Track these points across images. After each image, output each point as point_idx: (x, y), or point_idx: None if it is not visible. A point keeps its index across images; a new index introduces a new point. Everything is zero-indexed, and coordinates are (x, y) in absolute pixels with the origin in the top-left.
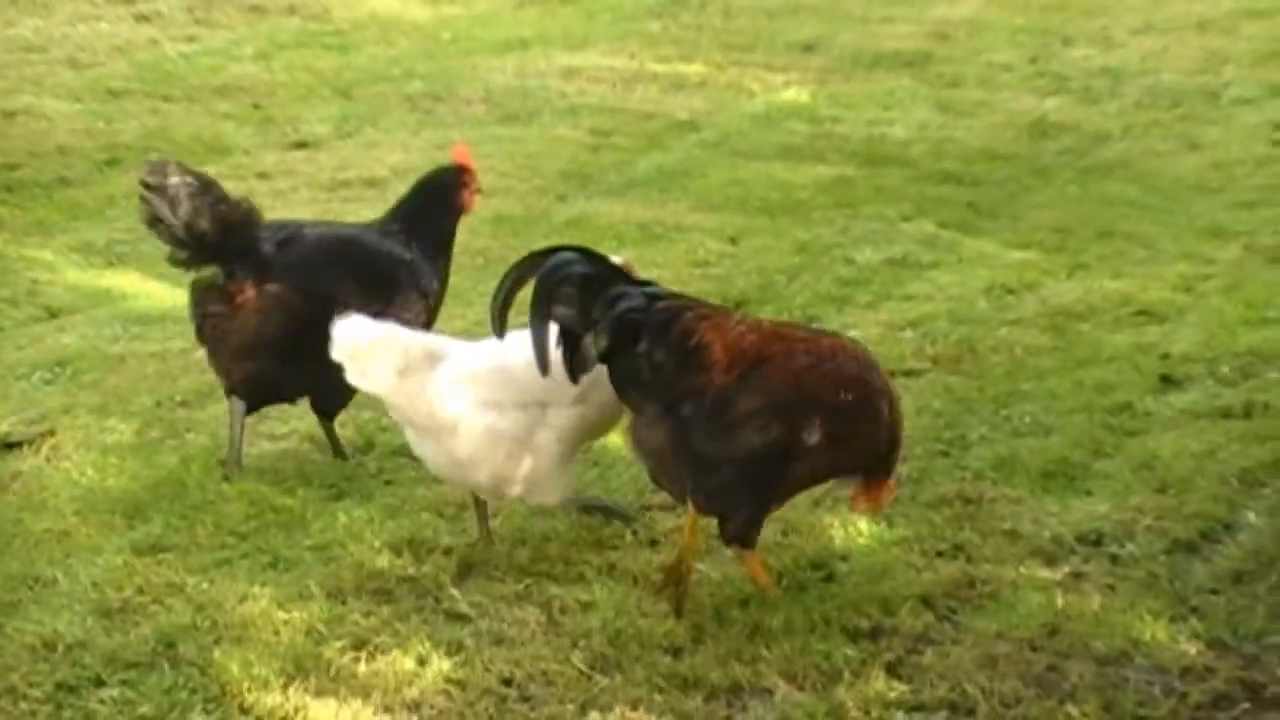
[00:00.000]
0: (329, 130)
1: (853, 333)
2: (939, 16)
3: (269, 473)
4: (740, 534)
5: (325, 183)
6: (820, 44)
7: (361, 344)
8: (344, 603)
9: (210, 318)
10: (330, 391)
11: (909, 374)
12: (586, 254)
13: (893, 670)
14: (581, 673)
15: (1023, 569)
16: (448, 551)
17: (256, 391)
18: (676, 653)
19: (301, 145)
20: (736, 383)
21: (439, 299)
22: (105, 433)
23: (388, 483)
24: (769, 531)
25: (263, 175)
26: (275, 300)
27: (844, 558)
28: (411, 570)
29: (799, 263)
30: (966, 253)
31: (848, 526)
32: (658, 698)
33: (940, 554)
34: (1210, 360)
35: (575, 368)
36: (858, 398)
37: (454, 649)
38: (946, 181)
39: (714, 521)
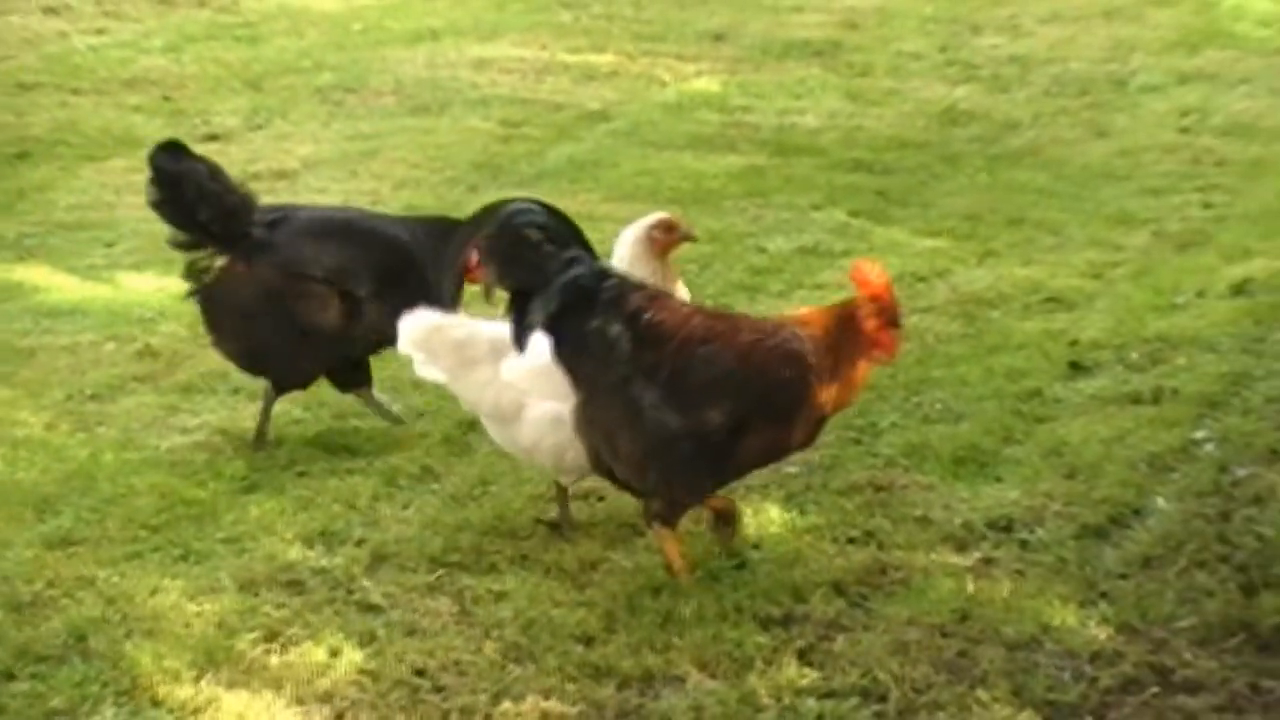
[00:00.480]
0: (239, 122)
1: None
2: (848, 5)
3: (180, 465)
4: (666, 513)
5: (235, 175)
6: (731, 33)
7: (427, 335)
8: (256, 595)
9: (210, 297)
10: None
11: None
12: (547, 207)
13: (804, 657)
14: (494, 662)
15: (934, 555)
16: (360, 543)
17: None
18: (589, 642)
19: (212, 137)
20: (689, 359)
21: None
22: (15, 426)
23: (300, 475)
24: (682, 520)
25: None
26: (251, 277)
27: (756, 546)
28: (324, 562)
29: (711, 252)
30: (877, 241)
31: (760, 514)
32: (570, 687)
33: (852, 541)
34: (1119, 346)
35: (521, 332)
36: (799, 374)
37: (366, 640)
38: (857, 170)
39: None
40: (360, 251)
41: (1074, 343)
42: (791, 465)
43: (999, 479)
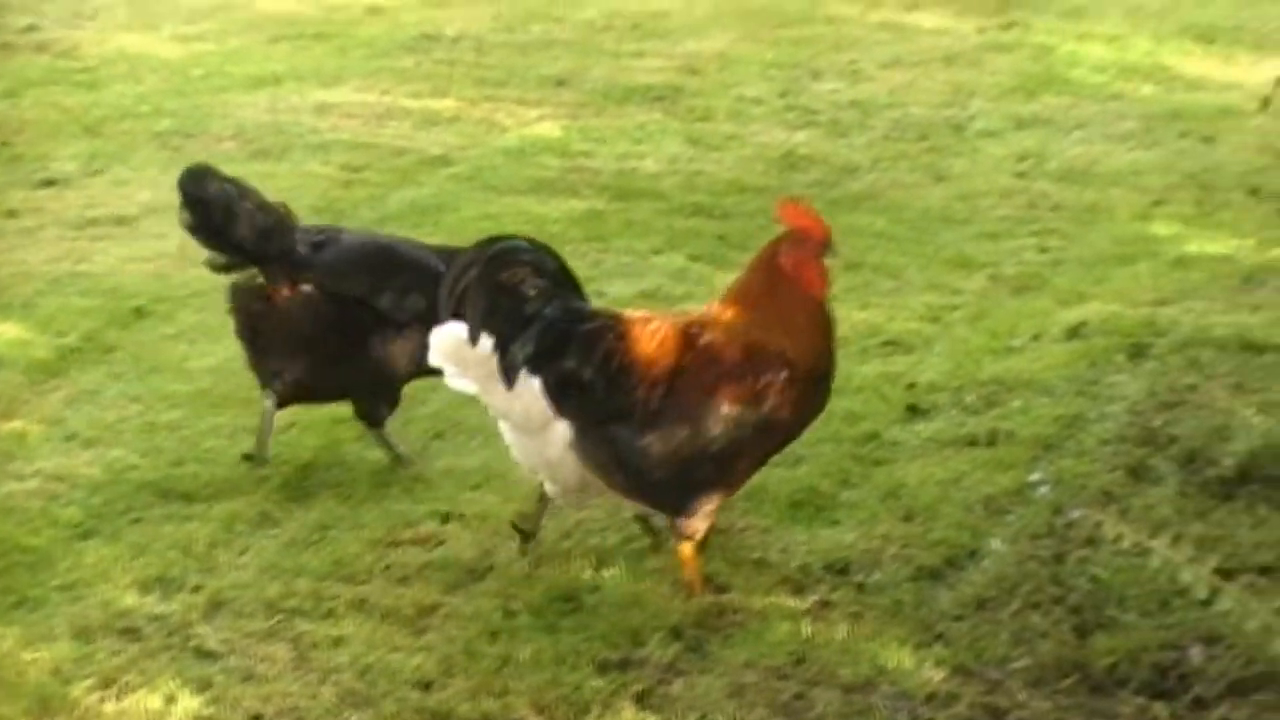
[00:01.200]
0: (77, 168)
1: None
2: (690, 51)
3: (15, 512)
4: (684, 531)
5: (73, 220)
6: (572, 78)
7: (457, 347)
8: (91, 642)
9: (251, 316)
10: (369, 398)
11: None
12: (536, 245)
13: (642, 701)
14: (331, 708)
15: (771, 598)
16: (196, 589)
17: (298, 392)
18: (426, 686)
19: (49, 183)
20: (659, 404)
21: None
22: None
23: (136, 521)
24: (518, 564)
25: (10, 213)
26: (307, 300)
27: (594, 589)
28: (160, 608)
29: None
30: (718, 285)
31: (598, 558)
32: None
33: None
34: (955, 389)
35: (507, 371)
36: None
37: (202, 686)
38: (697, 214)
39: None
40: (401, 277)
41: (911, 385)
42: (628, 510)
43: (836, 522)
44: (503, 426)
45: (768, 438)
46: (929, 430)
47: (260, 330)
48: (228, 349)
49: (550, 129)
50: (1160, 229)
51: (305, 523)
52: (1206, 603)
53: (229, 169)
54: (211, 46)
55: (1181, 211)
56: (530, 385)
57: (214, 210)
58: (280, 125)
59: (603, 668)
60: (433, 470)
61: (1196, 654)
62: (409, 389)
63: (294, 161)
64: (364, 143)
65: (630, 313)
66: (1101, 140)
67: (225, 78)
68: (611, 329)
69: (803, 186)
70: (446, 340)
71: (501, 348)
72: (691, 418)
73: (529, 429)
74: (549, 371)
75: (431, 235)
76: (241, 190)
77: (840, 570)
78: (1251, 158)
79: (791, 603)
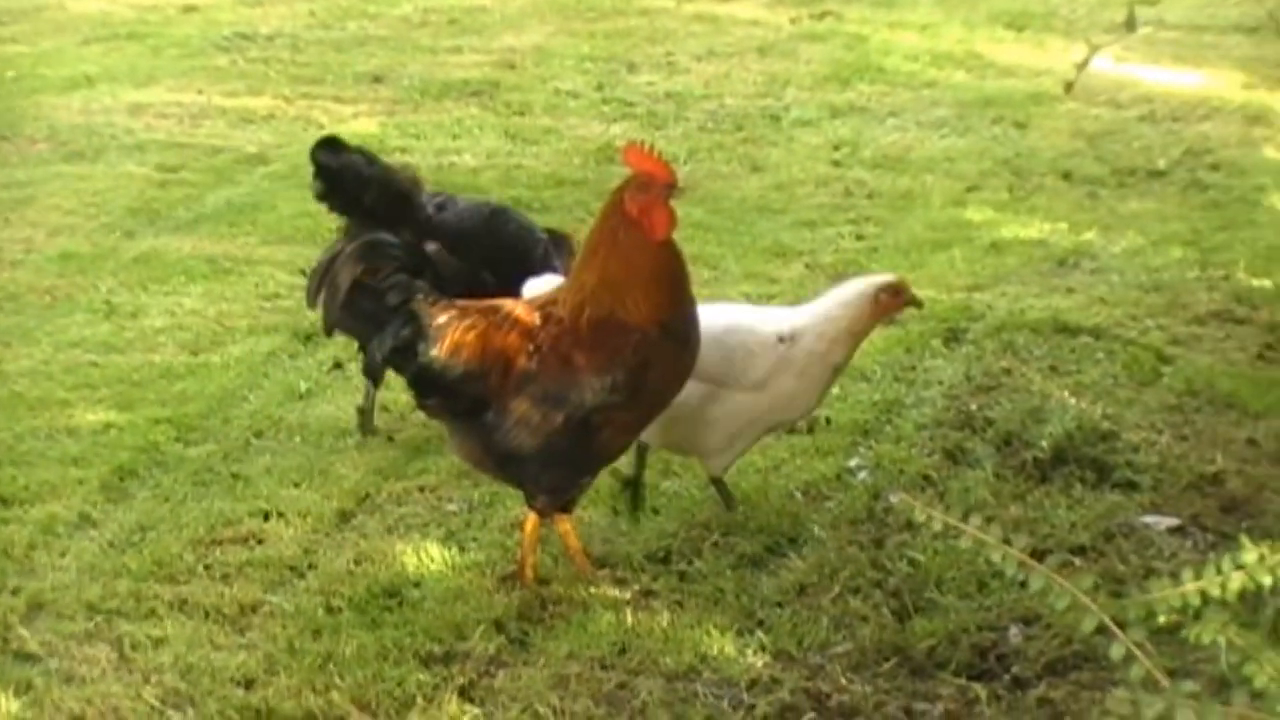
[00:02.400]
0: None
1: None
2: (506, 45)
3: None
4: (549, 507)
5: None
6: (389, 75)
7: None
8: None
9: None
10: None
11: None
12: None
13: (465, 694)
14: (153, 708)
15: (593, 589)
16: (16, 592)
17: None
18: (249, 685)
19: None
20: (516, 387)
21: None
22: None
23: None
24: (340, 560)
25: None
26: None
27: (416, 583)
28: None
29: None
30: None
31: (420, 553)
32: None
33: (511, 577)
34: None
35: (372, 369)
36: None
37: (23, 689)
38: (517, 208)
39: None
40: (506, 243)
41: None
42: (451, 503)
43: (657, 512)
44: None
45: (632, 406)
46: None
47: None
48: (44, 351)
49: (368, 125)
50: (974, 215)
51: (125, 524)
52: (1023, 584)
53: (42, 171)
54: (24, 48)
55: (995, 197)
56: None
57: (345, 178)
58: (94, 126)
59: (426, 662)
60: (253, 468)
61: (1014, 635)
62: (231, 387)
63: (109, 163)
64: (179, 142)
65: (483, 302)
66: (915, 127)
67: (38, 80)
68: (461, 319)
69: (620, 179)
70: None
71: (361, 346)
72: (551, 398)
73: None
74: (406, 368)
75: (249, 235)
76: (369, 158)
77: (662, 559)
78: (1063, 143)
79: (614, 593)
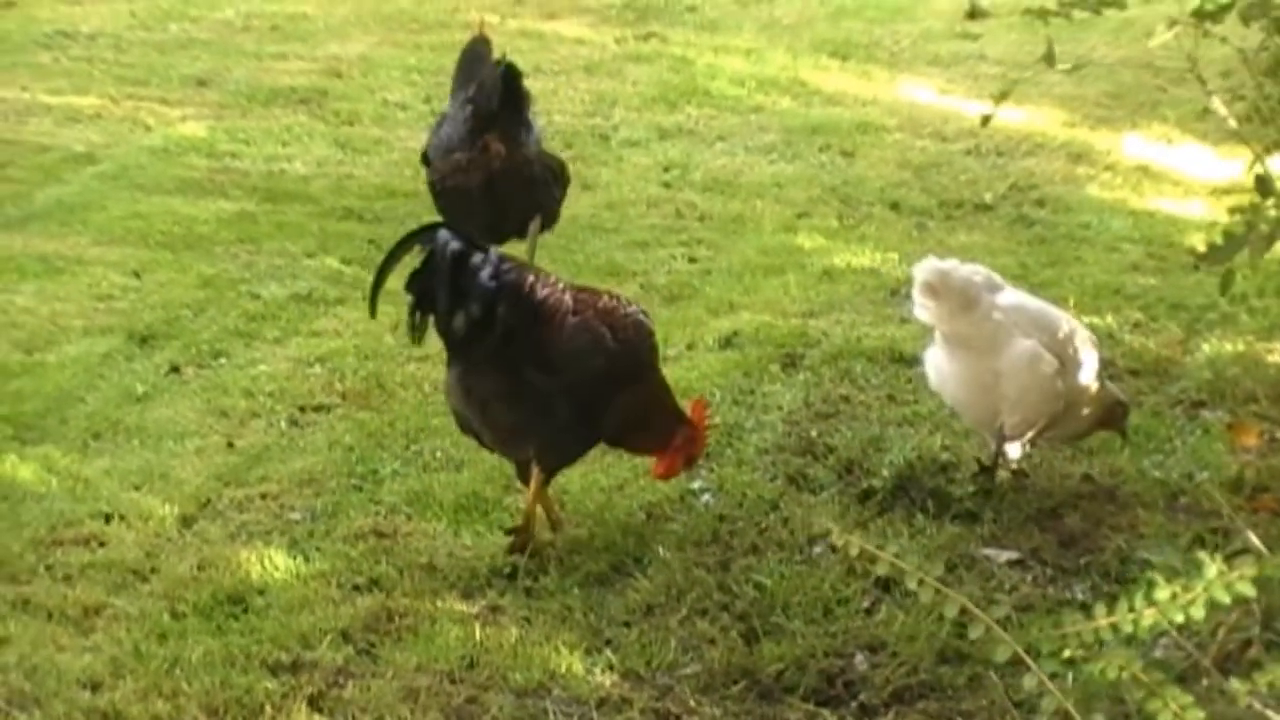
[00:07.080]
0: None
1: (261, 368)
2: (331, 54)
3: None
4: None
5: None
6: (214, 79)
7: (940, 276)
8: None
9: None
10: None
11: (318, 409)
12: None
13: (315, 704)
14: None
15: (440, 602)
16: None
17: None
18: (95, 687)
19: None
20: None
21: None
22: None
23: None
24: (183, 565)
25: None
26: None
27: (261, 591)
28: None
29: (204, 297)
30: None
31: (264, 560)
32: None
33: (357, 588)
34: None
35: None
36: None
37: None
38: (348, 218)
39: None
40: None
41: None
42: (294, 511)
43: (502, 526)
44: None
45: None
46: None
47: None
48: None
49: (195, 129)
50: (806, 241)
51: None
52: (869, 611)
53: None
54: None
55: (825, 224)
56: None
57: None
58: None
59: (274, 670)
60: (92, 470)
61: (860, 662)
62: (68, 388)
63: None
64: (5, 139)
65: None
66: (744, 152)
67: None
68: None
69: None
70: (928, 271)
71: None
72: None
73: (988, 349)
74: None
75: (80, 234)
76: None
77: (508, 575)
78: (891, 173)
79: (461, 607)
